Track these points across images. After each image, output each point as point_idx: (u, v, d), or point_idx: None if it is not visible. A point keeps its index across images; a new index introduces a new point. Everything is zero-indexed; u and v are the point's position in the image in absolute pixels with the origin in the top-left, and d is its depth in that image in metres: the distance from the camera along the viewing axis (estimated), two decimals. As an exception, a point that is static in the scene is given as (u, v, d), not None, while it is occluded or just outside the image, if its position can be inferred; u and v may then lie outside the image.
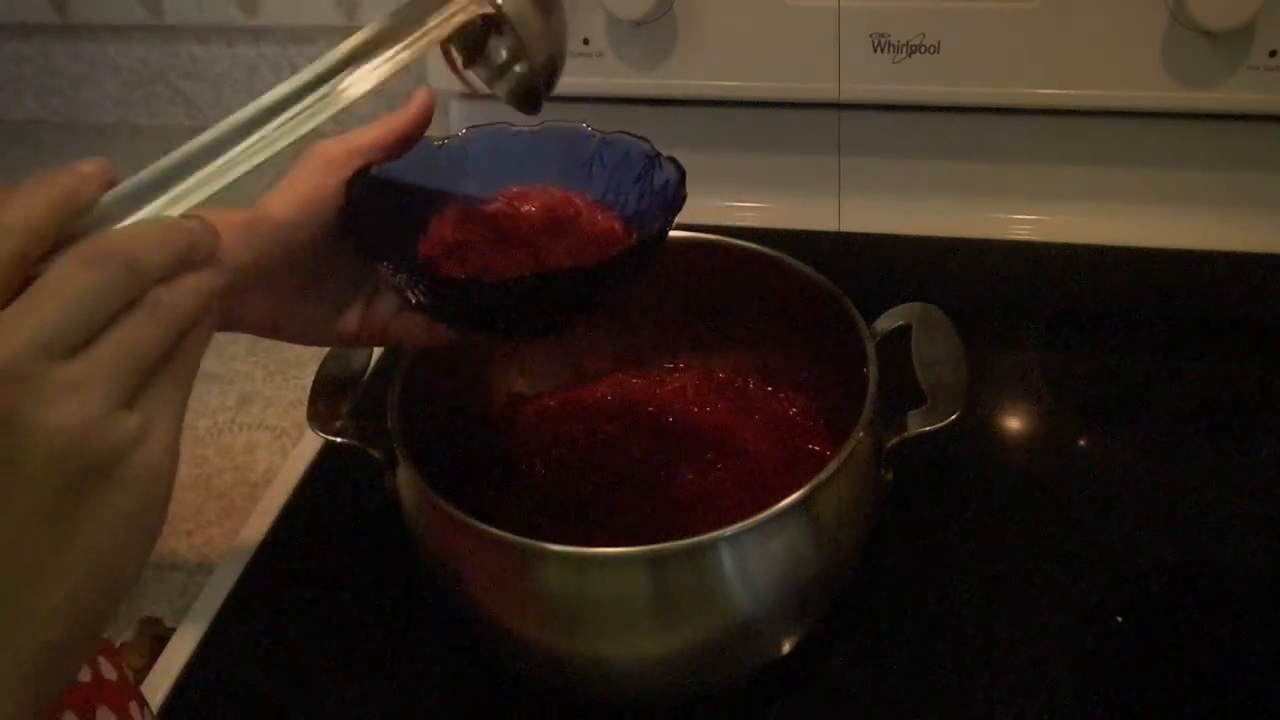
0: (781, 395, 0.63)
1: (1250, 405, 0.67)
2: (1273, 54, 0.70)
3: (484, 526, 0.45)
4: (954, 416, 0.50)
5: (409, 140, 0.51)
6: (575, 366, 0.66)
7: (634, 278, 0.49)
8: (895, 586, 0.57)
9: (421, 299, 0.47)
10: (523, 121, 0.55)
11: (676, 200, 0.50)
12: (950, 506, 0.61)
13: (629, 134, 0.54)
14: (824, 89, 0.79)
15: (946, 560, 0.58)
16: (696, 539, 0.44)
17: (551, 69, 0.48)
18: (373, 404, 0.54)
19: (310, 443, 0.68)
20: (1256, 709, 0.50)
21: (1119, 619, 0.54)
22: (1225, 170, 0.79)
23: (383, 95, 1.11)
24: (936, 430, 0.49)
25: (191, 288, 0.30)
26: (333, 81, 0.41)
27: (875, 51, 0.76)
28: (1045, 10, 0.72)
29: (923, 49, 0.75)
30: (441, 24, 0.44)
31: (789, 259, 0.58)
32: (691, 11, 0.77)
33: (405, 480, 0.51)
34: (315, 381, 0.55)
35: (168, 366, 0.29)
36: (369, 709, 0.54)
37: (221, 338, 0.79)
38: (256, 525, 0.63)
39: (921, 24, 0.74)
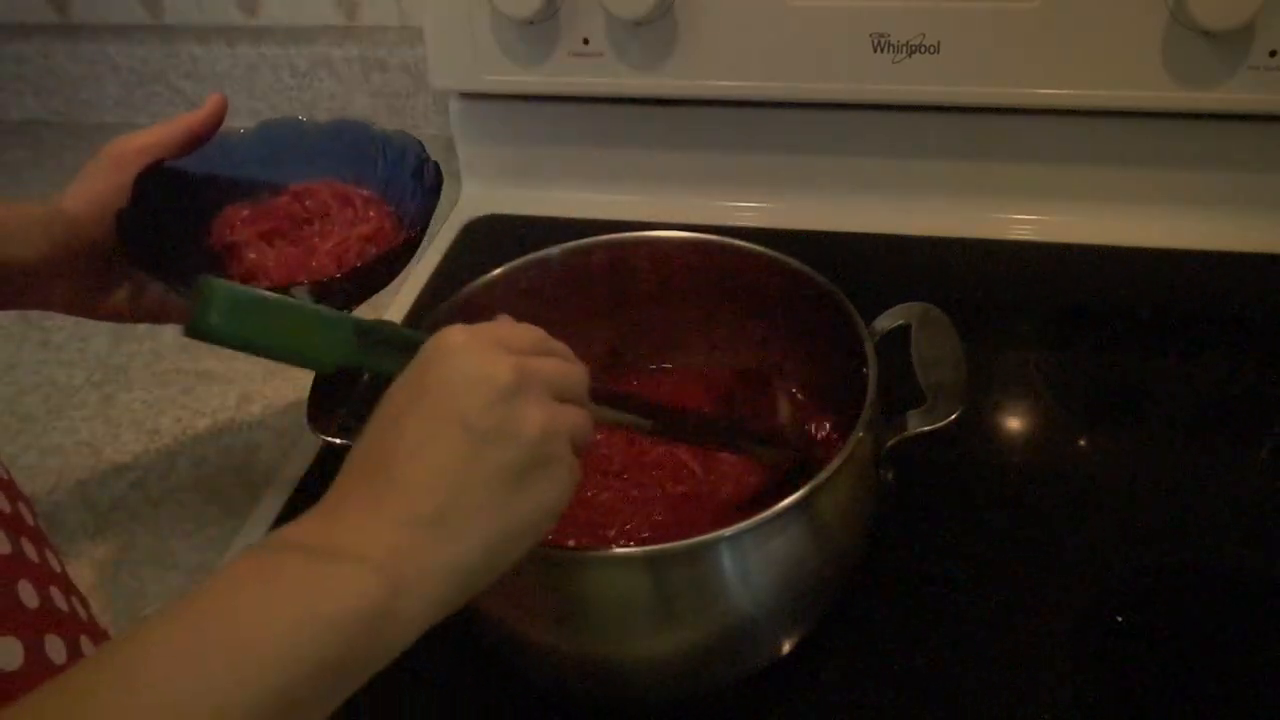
0: (781, 395, 0.63)
1: (1250, 405, 0.67)
2: (1273, 54, 0.70)
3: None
4: (954, 416, 0.50)
5: (199, 138, 0.57)
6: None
7: (386, 278, 0.56)
8: (895, 586, 0.57)
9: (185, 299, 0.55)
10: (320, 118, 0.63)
11: (433, 202, 0.56)
12: (950, 506, 0.61)
13: (405, 133, 0.60)
14: (824, 89, 0.79)
15: (946, 560, 0.58)
16: (696, 539, 0.44)
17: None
18: (372, 404, 0.54)
19: (310, 443, 0.68)
20: (1256, 709, 0.50)
21: (1119, 619, 0.54)
22: (1225, 170, 0.79)
23: (383, 95, 1.11)
24: (936, 430, 0.49)
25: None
26: None
27: (875, 51, 0.76)
28: (1045, 10, 0.72)
29: (923, 49, 0.75)
30: None
31: (789, 259, 0.58)
32: (691, 11, 0.77)
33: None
34: (314, 382, 0.55)
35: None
36: (368, 709, 0.54)
37: (221, 338, 0.79)
38: (256, 525, 0.63)
39: (921, 24, 0.74)
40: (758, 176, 0.87)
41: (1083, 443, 0.66)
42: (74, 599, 0.45)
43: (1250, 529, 0.59)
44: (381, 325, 0.43)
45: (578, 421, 0.41)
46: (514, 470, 0.38)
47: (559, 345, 0.44)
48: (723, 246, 0.60)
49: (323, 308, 0.43)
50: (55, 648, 0.41)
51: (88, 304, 0.58)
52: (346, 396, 0.55)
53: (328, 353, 0.42)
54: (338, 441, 0.53)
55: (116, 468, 0.69)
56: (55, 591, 0.43)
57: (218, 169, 0.59)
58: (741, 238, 0.60)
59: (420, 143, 0.60)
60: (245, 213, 0.59)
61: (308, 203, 0.60)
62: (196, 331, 0.40)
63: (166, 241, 0.56)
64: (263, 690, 0.31)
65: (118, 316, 0.59)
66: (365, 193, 0.61)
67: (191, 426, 0.72)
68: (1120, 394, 0.70)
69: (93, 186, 0.54)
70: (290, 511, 0.64)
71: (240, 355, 0.78)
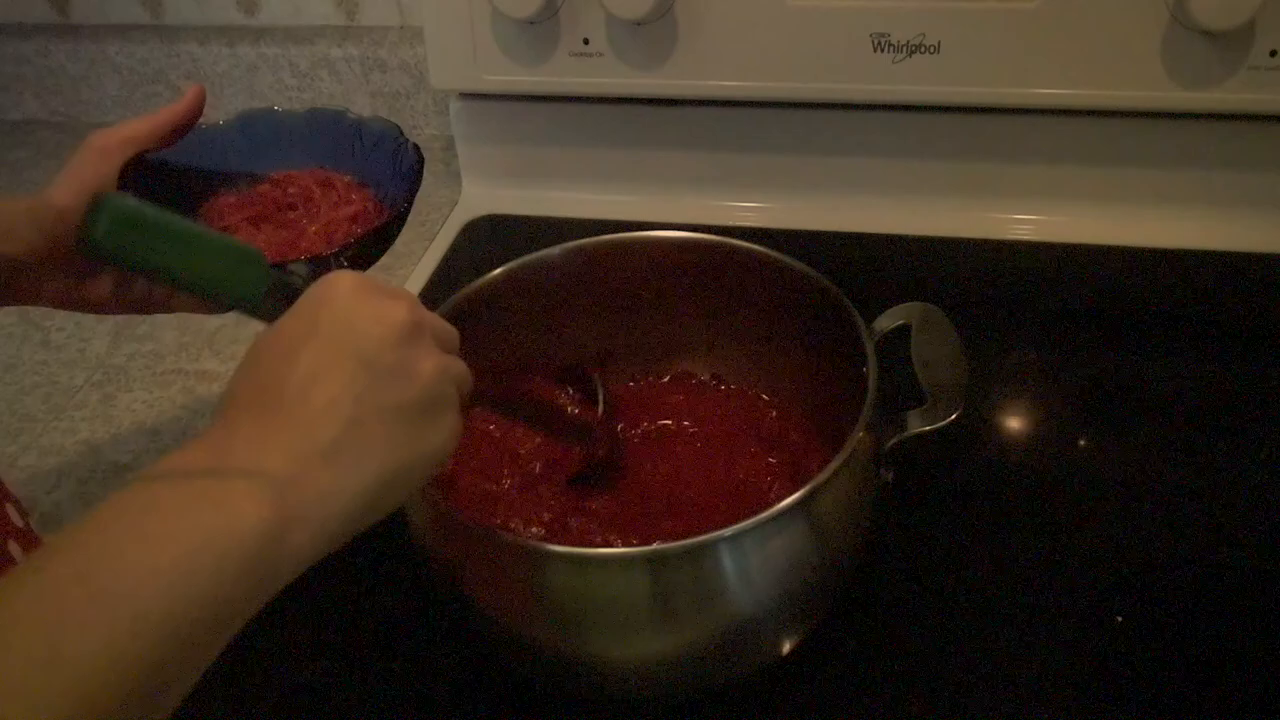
0: (781, 395, 0.63)
1: (1250, 405, 0.67)
2: (1273, 54, 0.70)
3: (484, 526, 0.45)
4: (954, 416, 0.50)
5: (181, 129, 0.58)
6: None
7: (374, 254, 0.57)
8: (895, 586, 0.57)
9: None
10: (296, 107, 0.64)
11: (418, 181, 0.57)
12: (950, 506, 0.61)
13: (382, 118, 0.61)
14: (824, 89, 0.79)
15: (946, 560, 0.58)
16: (696, 539, 0.44)
17: None
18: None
19: (310, 443, 0.68)
20: (1256, 709, 0.50)
21: (1119, 619, 0.54)
22: (1225, 170, 0.79)
23: (383, 95, 1.11)
24: (936, 430, 0.49)
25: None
26: None
27: (875, 51, 0.76)
28: (1045, 10, 0.72)
29: (923, 49, 0.75)
30: None
31: (789, 259, 0.58)
32: (691, 11, 0.77)
33: (405, 480, 0.50)
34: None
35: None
36: (370, 709, 0.54)
37: (221, 338, 0.79)
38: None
39: (921, 24, 0.74)
40: (758, 176, 0.87)
41: (1083, 443, 0.66)
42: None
43: (1250, 529, 0.59)
44: (293, 272, 0.43)
45: (463, 370, 0.43)
46: (408, 409, 0.39)
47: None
48: (723, 246, 0.60)
49: (236, 240, 0.42)
50: None
51: (76, 296, 0.58)
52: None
53: (235, 286, 0.41)
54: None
55: (116, 468, 0.69)
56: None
57: (199, 160, 0.60)
58: (741, 238, 0.60)
59: (397, 126, 0.61)
60: (231, 200, 0.60)
61: (290, 189, 0.62)
62: (82, 245, 0.38)
63: None
64: (150, 628, 0.31)
65: (104, 308, 0.60)
66: (346, 178, 0.62)
67: (192, 426, 0.72)
68: (1120, 394, 0.70)
69: (79, 178, 0.55)
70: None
71: (239, 355, 0.78)
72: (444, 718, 0.54)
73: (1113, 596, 0.55)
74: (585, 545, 0.54)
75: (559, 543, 0.54)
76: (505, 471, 0.59)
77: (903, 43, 0.75)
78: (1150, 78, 0.73)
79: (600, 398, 0.58)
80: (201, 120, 0.59)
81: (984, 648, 0.54)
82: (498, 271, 0.59)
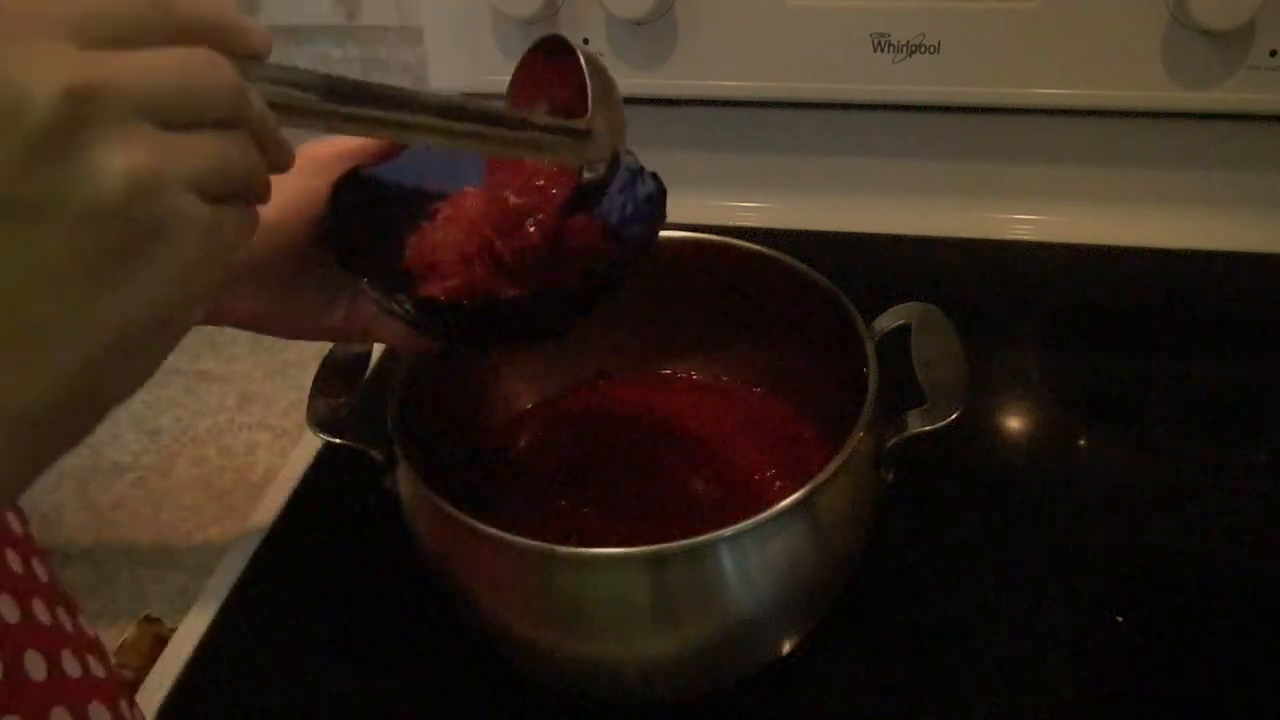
0: (781, 395, 0.63)
1: (1250, 405, 0.67)
2: (1273, 54, 0.70)
3: (484, 527, 0.45)
4: (954, 416, 0.49)
5: (396, 144, 0.51)
6: (576, 366, 0.66)
7: (611, 291, 0.48)
8: (895, 586, 0.57)
9: (402, 313, 0.47)
10: None
11: (659, 215, 0.50)
12: (950, 506, 0.61)
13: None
14: (824, 89, 0.79)
15: (946, 560, 0.58)
16: (696, 539, 0.44)
17: (615, 165, 0.47)
18: (373, 405, 0.54)
19: (310, 443, 0.68)
20: (1256, 709, 0.50)
21: (1119, 619, 0.54)
22: (1225, 170, 0.79)
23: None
24: (936, 430, 0.49)
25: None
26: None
27: (875, 51, 0.76)
28: (1045, 10, 0.72)
29: (923, 49, 0.75)
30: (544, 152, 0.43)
31: (789, 259, 0.58)
32: (691, 11, 0.77)
33: (405, 480, 0.51)
34: (315, 382, 0.55)
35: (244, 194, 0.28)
36: (369, 709, 0.54)
37: (221, 337, 0.79)
38: (256, 525, 0.63)
39: (921, 24, 0.74)
40: (758, 176, 0.87)
41: (1083, 443, 0.66)
42: (59, 610, 0.44)
43: (1250, 529, 0.59)
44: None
45: (208, 150, 0.27)
46: (92, 257, 0.25)
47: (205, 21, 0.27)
48: (722, 246, 0.60)
49: None
50: (35, 663, 0.40)
51: (275, 318, 0.51)
52: (348, 396, 0.55)
53: None
54: (338, 441, 0.53)
55: (116, 468, 0.69)
56: (38, 604, 0.42)
57: (415, 179, 0.53)
58: (741, 238, 0.60)
59: (631, 154, 0.52)
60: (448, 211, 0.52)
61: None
62: None
63: (370, 248, 0.50)
64: None
65: (314, 332, 0.53)
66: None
67: (191, 426, 0.72)
68: (1120, 394, 0.70)
69: (286, 190, 0.47)
70: (291, 511, 0.64)
71: (240, 355, 0.78)
72: (444, 718, 0.54)
73: (1113, 596, 0.55)
74: (585, 545, 0.54)
75: (559, 543, 0.54)
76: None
77: (903, 43, 0.75)
78: (1150, 78, 0.73)
79: (589, 87, 0.44)
80: None
81: (984, 648, 0.54)
82: (498, 271, 0.59)
